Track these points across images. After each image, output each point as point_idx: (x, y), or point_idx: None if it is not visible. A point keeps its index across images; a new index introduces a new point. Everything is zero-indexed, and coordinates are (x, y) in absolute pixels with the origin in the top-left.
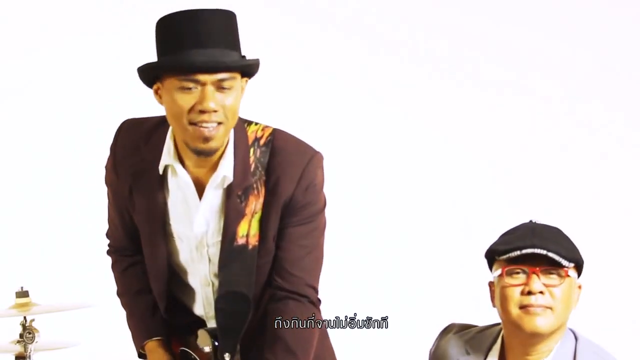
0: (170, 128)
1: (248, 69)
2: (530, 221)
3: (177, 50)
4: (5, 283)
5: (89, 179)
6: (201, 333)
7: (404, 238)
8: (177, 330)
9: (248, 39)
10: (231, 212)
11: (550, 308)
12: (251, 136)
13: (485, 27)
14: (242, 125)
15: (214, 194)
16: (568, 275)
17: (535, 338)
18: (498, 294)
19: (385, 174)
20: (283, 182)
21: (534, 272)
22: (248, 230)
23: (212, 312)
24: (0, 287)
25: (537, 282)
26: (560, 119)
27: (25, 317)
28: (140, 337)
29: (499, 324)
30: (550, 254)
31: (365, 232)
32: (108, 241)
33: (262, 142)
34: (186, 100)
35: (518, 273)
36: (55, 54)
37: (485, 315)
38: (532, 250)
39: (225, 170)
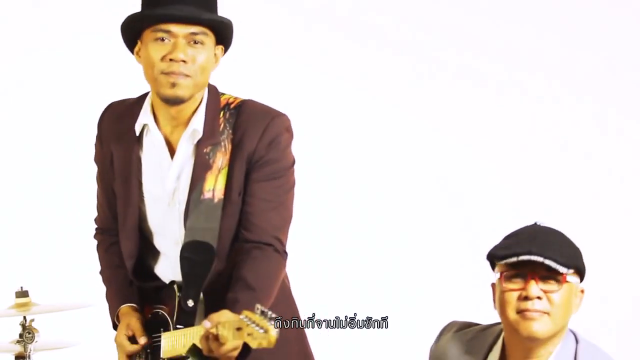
0: (150, 92)
1: (218, 26)
2: (535, 224)
3: (155, 6)
4: (5, 283)
5: (89, 179)
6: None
7: (405, 238)
8: (147, 296)
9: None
10: (199, 166)
11: (548, 313)
12: (223, 102)
13: (489, 25)
14: (217, 92)
15: (185, 149)
16: (567, 281)
17: (532, 342)
18: (498, 297)
19: (386, 174)
20: (247, 137)
21: (531, 278)
22: (214, 185)
23: (179, 276)
24: (0, 287)
25: (535, 287)
26: (564, 119)
27: (25, 317)
28: (116, 305)
29: (499, 323)
30: (547, 261)
31: (365, 232)
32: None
33: (232, 106)
34: (159, 50)
35: (516, 278)
36: (55, 53)
37: (487, 315)
38: (529, 257)
39: (196, 125)
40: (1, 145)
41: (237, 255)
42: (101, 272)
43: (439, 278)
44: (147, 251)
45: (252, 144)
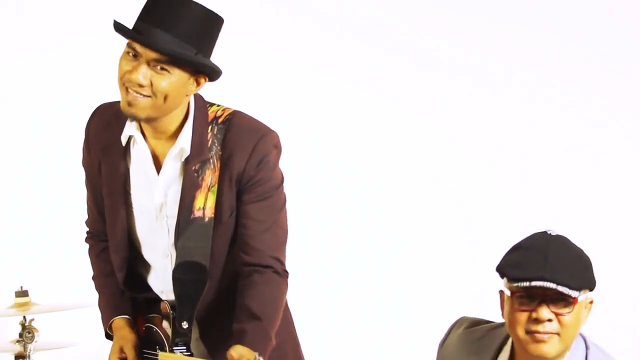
0: None
1: (193, 64)
2: (545, 232)
3: (141, 20)
4: (4, 283)
5: None
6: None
7: (404, 239)
8: (140, 306)
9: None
10: (187, 184)
11: (558, 334)
12: (211, 115)
13: (493, 22)
14: (204, 104)
15: (172, 166)
16: (578, 302)
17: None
18: (507, 313)
19: (384, 174)
20: (235, 156)
21: (542, 302)
22: (204, 203)
23: (169, 286)
24: (0, 286)
25: (545, 310)
26: (568, 120)
27: (24, 317)
28: (108, 316)
29: None
30: (560, 288)
31: (364, 233)
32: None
33: (220, 120)
34: (124, 65)
35: (527, 299)
36: (50, 52)
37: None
38: (541, 284)
39: (183, 143)
40: (1, 145)
41: (238, 279)
42: (93, 278)
43: (440, 279)
44: (138, 262)
45: (241, 164)
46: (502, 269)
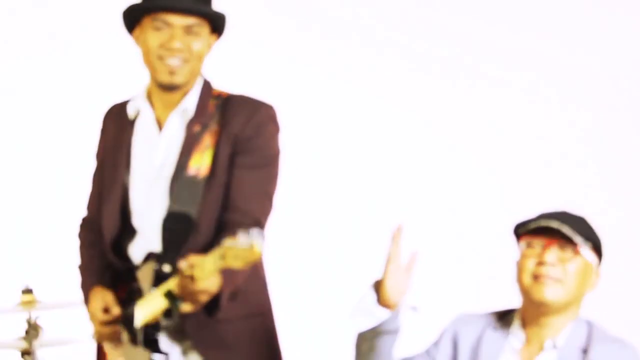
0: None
1: (214, 18)
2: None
3: None
4: (10, 281)
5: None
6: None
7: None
8: (120, 277)
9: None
10: (187, 144)
11: (561, 281)
12: (215, 92)
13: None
14: (210, 84)
15: (175, 125)
16: (582, 253)
17: (543, 308)
18: (516, 265)
19: (379, 169)
20: (234, 120)
21: (549, 245)
22: (201, 163)
23: (153, 248)
24: (6, 285)
25: (551, 254)
26: (560, 119)
27: (30, 314)
28: (89, 283)
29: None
30: (564, 229)
31: (357, 226)
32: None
33: (223, 96)
34: (157, 38)
35: (535, 245)
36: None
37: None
38: (547, 223)
39: (188, 104)
40: (5, 142)
41: (220, 233)
42: (80, 267)
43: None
44: (124, 231)
45: (238, 126)
46: (516, 225)
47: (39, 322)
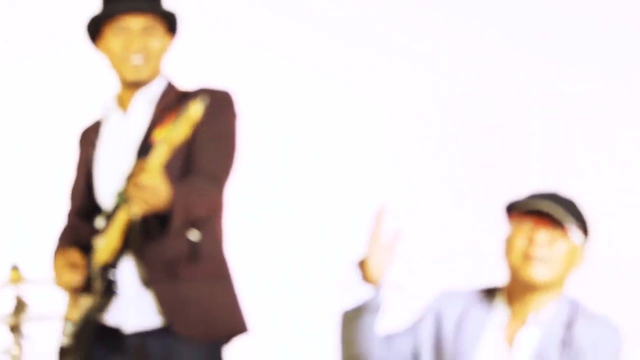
0: None
1: (167, 17)
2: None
3: (109, 3)
4: None
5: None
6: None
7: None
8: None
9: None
10: (150, 122)
11: (549, 262)
12: (177, 88)
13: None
14: (171, 80)
15: (139, 106)
16: (570, 236)
17: (530, 287)
18: (505, 243)
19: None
20: (197, 105)
21: (538, 225)
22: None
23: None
24: None
25: (540, 234)
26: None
27: (17, 291)
28: (60, 244)
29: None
30: (555, 212)
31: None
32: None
33: (186, 89)
34: (118, 42)
35: (524, 225)
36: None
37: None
38: (539, 205)
39: (153, 88)
40: None
41: None
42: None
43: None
44: (91, 206)
45: (201, 111)
46: (507, 205)
47: (25, 299)
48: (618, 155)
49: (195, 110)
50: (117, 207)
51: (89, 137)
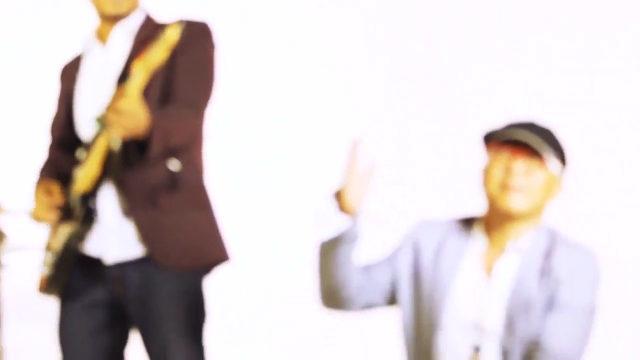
0: None
1: None
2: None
3: None
4: None
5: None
6: None
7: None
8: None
9: None
10: (130, 54)
11: (526, 191)
12: (155, 21)
13: None
14: (150, 14)
15: (118, 38)
16: (547, 165)
17: (507, 216)
18: (482, 172)
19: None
20: (174, 30)
21: (515, 154)
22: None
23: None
24: None
25: (518, 164)
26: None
27: None
28: (41, 176)
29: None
30: (532, 141)
31: None
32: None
33: (165, 22)
34: None
35: (502, 154)
36: None
37: None
38: (516, 135)
39: (131, 21)
40: None
41: None
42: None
43: None
44: (72, 142)
45: (178, 34)
46: (484, 134)
47: (5, 229)
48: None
49: (172, 33)
50: (96, 137)
51: (70, 72)
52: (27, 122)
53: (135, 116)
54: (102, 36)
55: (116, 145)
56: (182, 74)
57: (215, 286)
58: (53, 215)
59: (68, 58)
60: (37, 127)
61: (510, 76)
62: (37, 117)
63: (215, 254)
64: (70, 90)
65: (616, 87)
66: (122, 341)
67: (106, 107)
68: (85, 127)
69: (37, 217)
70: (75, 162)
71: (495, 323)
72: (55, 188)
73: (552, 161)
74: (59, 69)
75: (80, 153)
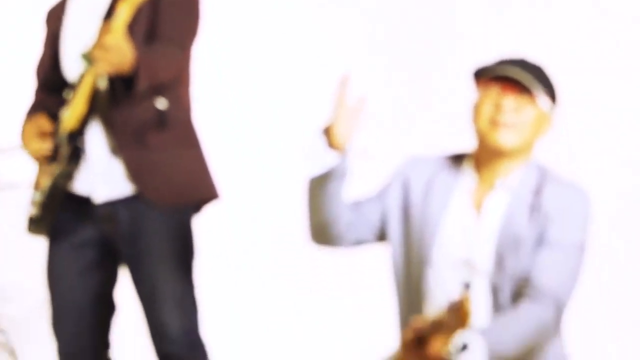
0: None
1: None
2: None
3: None
4: None
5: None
6: None
7: None
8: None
9: None
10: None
11: (516, 128)
12: None
13: None
14: None
15: None
16: (537, 102)
17: (497, 152)
18: (472, 109)
19: None
20: None
21: (507, 91)
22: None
23: None
24: None
25: (508, 100)
26: None
27: None
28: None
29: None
30: (523, 78)
31: None
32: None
33: None
34: None
35: (492, 90)
36: None
37: None
38: (506, 71)
39: None
40: None
41: None
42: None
43: None
44: (59, 84)
45: None
46: (475, 71)
47: None
48: None
49: None
50: (83, 76)
51: (55, 13)
52: (15, 60)
53: (120, 51)
54: None
55: (103, 83)
56: (167, 10)
57: (205, 224)
58: (45, 145)
59: (54, 3)
60: (25, 66)
61: (503, 15)
62: (24, 55)
63: (205, 192)
64: (56, 31)
65: (609, 24)
66: (111, 280)
67: (92, 43)
68: (71, 67)
69: (29, 149)
70: (62, 103)
71: (484, 260)
72: (45, 124)
73: (542, 98)
74: (45, 13)
75: (67, 93)
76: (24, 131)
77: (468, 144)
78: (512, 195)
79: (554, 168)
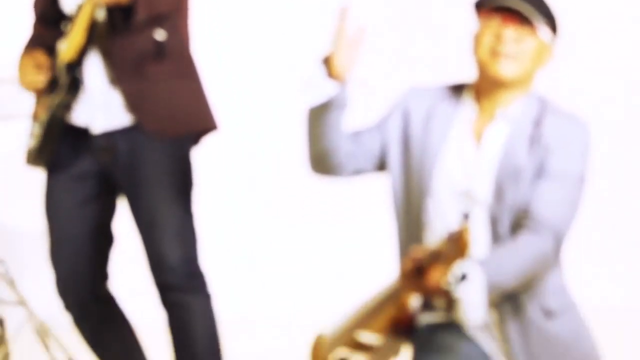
0: None
1: None
2: None
3: None
4: None
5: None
6: None
7: None
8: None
9: None
10: None
11: (517, 59)
12: None
13: None
14: None
15: None
16: (538, 33)
17: (497, 83)
18: (474, 39)
19: None
20: None
21: (507, 21)
22: None
23: None
24: None
25: (508, 31)
26: None
27: None
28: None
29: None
30: (524, 9)
31: None
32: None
33: None
34: None
35: (493, 21)
36: None
37: None
38: (505, 1)
39: None
40: None
41: None
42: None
43: None
44: (56, 17)
45: None
46: (476, 2)
47: None
48: None
49: None
50: (81, 7)
51: None
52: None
53: None
54: None
55: (101, 14)
56: None
57: (204, 155)
58: (42, 77)
59: None
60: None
61: None
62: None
63: (203, 122)
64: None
65: None
66: (110, 212)
67: None
68: (69, 2)
69: (25, 82)
70: (60, 36)
71: (484, 190)
72: (42, 57)
73: (542, 29)
74: None
75: (65, 26)
76: (20, 65)
77: (468, 74)
78: (512, 126)
79: (553, 99)
